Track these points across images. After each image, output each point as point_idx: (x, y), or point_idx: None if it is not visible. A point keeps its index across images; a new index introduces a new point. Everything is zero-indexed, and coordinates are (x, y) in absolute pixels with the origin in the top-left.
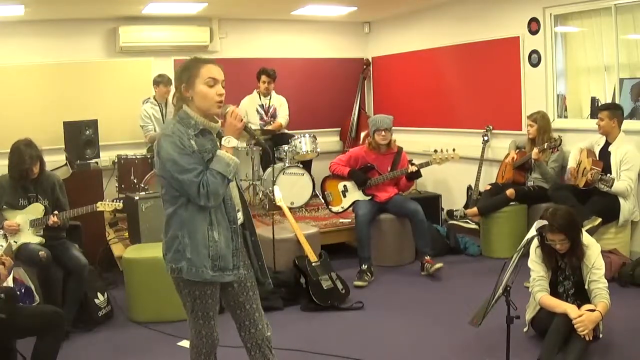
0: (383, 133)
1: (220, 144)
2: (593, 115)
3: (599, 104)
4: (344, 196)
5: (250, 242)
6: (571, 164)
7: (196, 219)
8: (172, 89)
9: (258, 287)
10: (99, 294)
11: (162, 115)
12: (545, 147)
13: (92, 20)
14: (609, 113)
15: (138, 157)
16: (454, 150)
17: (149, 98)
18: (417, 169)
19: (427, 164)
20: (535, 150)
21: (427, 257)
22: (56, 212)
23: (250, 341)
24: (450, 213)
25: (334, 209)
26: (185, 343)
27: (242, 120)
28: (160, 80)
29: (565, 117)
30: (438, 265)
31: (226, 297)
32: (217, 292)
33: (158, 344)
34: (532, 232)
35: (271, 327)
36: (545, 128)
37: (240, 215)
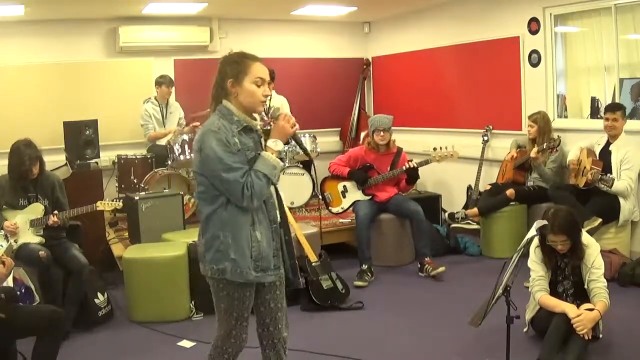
0: (382, 133)
1: (265, 145)
2: (593, 115)
3: (600, 104)
4: (344, 197)
5: (283, 240)
6: (571, 157)
7: (238, 219)
8: (174, 90)
9: (288, 286)
10: (99, 294)
11: (163, 116)
12: (545, 147)
13: (92, 20)
14: (622, 113)
15: (138, 157)
16: (453, 147)
17: (150, 98)
18: (415, 166)
19: (426, 162)
20: (534, 150)
21: (428, 259)
22: (56, 212)
23: (266, 339)
24: (452, 216)
25: (334, 209)
26: (186, 343)
27: (294, 126)
28: (162, 81)
29: (565, 117)
30: (440, 269)
31: (255, 294)
32: (253, 294)
33: (158, 344)
34: (532, 232)
35: (289, 327)
36: (545, 129)
37: (277, 214)
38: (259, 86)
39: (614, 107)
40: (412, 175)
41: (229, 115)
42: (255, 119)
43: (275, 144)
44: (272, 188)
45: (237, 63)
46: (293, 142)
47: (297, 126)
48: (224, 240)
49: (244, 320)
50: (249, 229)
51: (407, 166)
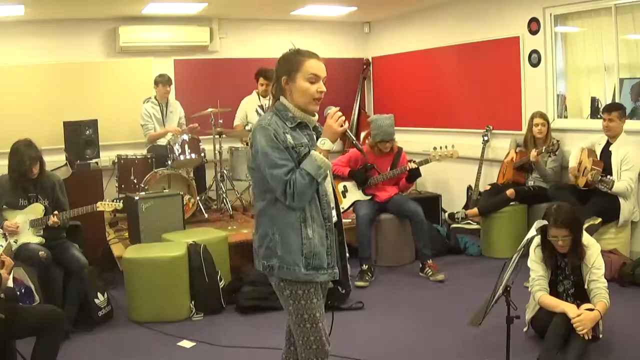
0: (387, 145)
1: (315, 145)
2: (593, 115)
3: (600, 104)
4: (344, 196)
5: (337, 241)
6: (572, 163)
7: (288, 215)
8: (172, 89)
9: (339, 289)
10: (99, 294)
11: (163, 115)
12: (544, 150)
13: (92, 20)
14: (619, 114)
15: (138, 157)
16: (453, 146)
17: (150, 97)
18: (416, 166)
19: (426, 161)
20: (534, 152)
21: (430, 261)
22: (56, 212)
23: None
24: (452, 216)
25: None
26: (186, 343)
27: (342, 124)
28: (159, 80)
29: (565, 117)
30: (440, 276)
31: None
32: (319, 289)
33: (158, 344)
34: (532, 232)
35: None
36: (550, 128)
37: (334, 213)
38: (312, 83)
39: (609, 108)
40: (415, 173)
41: (284, 111)
42: (314, 115)
43: (323, 143)
44: (330, 188)
45: (290, 60)
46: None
47: (347, 124)
48: (272, 237)
49: (318, 321)
50: (299, 226)
51: (410, 167)
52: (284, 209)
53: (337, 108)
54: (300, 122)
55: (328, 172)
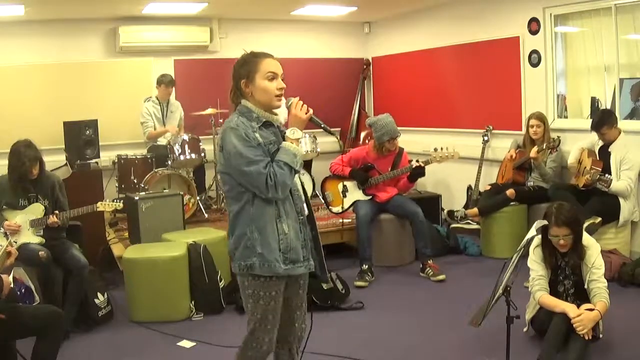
0: (395, 141)
1: (284, 136)
2: (592, 125)
3: (600, 104)
4: (344, 196)
5: (311, 235)
6: (571, 160)
7: (265, 213)
8: (173, 90)
9: (315, 281)
10: (99, 294)
11: (163, 115)
12: (544, 147)
13: (92, 20)
14: (607, 126)
15: (138, 157)
16: (454, 148)
17: (151, 97)
18: (422, 165)
19: (427, 163)
20: (534, 149)
21: (431, 261)
22: (56, 212)
23: (282, 336)
24: (451, 214)
25: (334, 209)
26: (186, 343)
27: (307, 111)
28: (162, 80)
29: (565, 117)
30: (441, 277)
31: None
32: (281, 294)
33: (158, 344)
34: (532, 232)
35: (308, 328)
36: (548, 129)
37: (305, 207)
38: (271, 80)
39: (595, 125)
40: (419, 172)
41: (247, 112)
42: (276, 114)
43: (292, 132)
44: (298, 182)
45: (247, 63)
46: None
47: (312, 110)
48: (251, 235)
49: (269, 323)
50: (275, 222)
51: (414, 165)
52: (261, 207)
53: (297, 97)
54: (265, 121)
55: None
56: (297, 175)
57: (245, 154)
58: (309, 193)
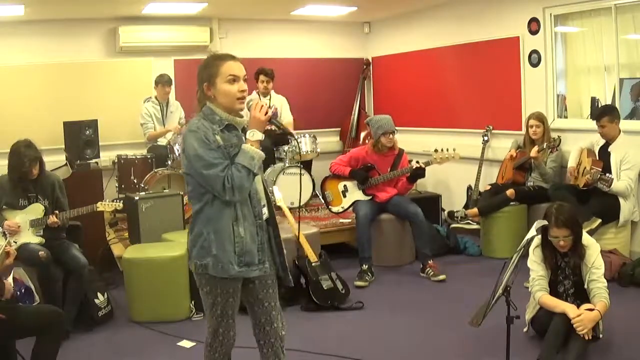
0: (390, 136)
1: (245, 138)
2: (593, 115)
3: (599, 105)
4: (344, 196)
5: (272, 237)
6: (571, 163)
7: (222, 214)
8: (172, 89)
9: (278, 283)
10: (99, 294)
11: (163, 115)
12: (545, 147)
13: (92, 20)
14: (609, 118)
15: (138, 157)
16: (454, 149)
17: (151, 97)
18: (423, 166)
19: (427, 164)
20: (535, 148)
21: (431, 262)
22: (56, 212)
23: (264, 339)
24: (451, 215)
25: (334, 209)
26: (186, 343)
27: (266, 112)
28: (159, 80)
29: (565, 117)
30: (441, 277)
31: (245, 294)
32: (239, 290)
33: (158, 344)
34: (532, 232)
35: (287, 326)
36: (548, 128)
37: (265, 210)
38: (232, 83)
39: (598, 115)
40: (419, 173)
41: (211, 115)
42: (241, 116)
43: (252, 134)
44: (260, 186)
45: (209, 66)
46: (294, 143)
47: (271, 111)
48: (207, 236)
49: (230, 318)
50: (231, 224)
51: (415, 166)
52: (219, 209)
53: (257, 98)
54: (228, 124)
55: (260, 169)
56: (258, 178)
57: (204, 157)
58: (309, 193)
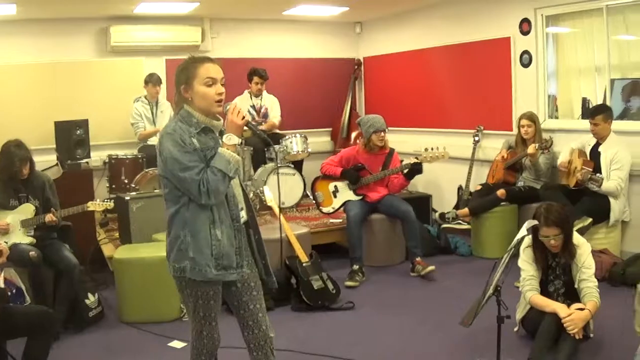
0: (382, 134)
1: (222, 142)
2: (584, 116)
3: (590, 105)
4: (335, 197)
5: (254, 240)
6: (562, 159)
7: (199, 217)
8: (162, 88)
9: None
10: (89, 294)
11: (153, 114)
12: (538, 147)
13: (84, 20)
14: (603, 116)
15: (129, 157)
16: (444, 148)
17: (141, 97)
18: (419, 161)
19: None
20: (532, 146)
21: (418, 259)
22: (53, 210)
23: (253, 342)
24: (443, 216)
25: (325, 209)
26: (177, 344)
27: (243, 117)
28: (149, 80)
29: (556, 117)
30: (430, 268)
31: (230, 297)
32: (219, 292)
33: (149, 345)
34: (523, 232)
35: (274, 328)
36: (539, 129)
37: (243, 213)
38: (209, 86)
39: (592, 112)
40: (417, 169)
41: (188, 117)
42: (218, 119)
43: (229, 138)
44: (239, 189)
45: (186, 68)
46: (284, 143)
47: (247, 117)
48: (184, 239)
49: (212, 320)
50: (208, 227)
51: (412, 162)
52: (196, 212)
53: (235, 103)
54: (204, 126)
55: (239, 172)
56: (235, 181)
57: (179, 160)
58: (300, 193)
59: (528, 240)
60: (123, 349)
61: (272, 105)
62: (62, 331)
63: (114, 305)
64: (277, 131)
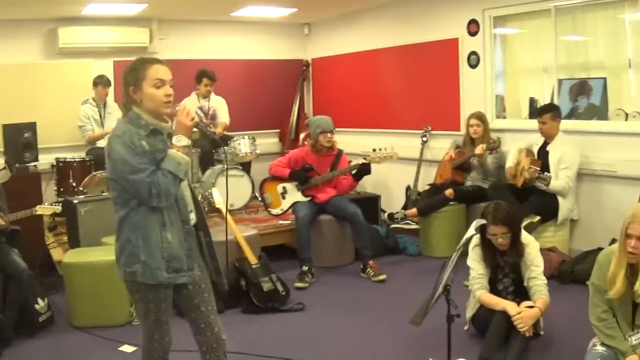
0: (329, 135)
1: (171, 143)
2: (532, 115)
3: (538, 105)
4: (283, 198)
5: (204, 242)
6: (509, 163)
7: (149, 220)
8: (111, 90)
9: (213, 288)
10: (39, 299)
11: (101, 116)
12: (485, 147)
13: (31, 21)
14: (551, 115)
15: (77, 160)
16: (392, 148)
17: (88, 99)
18: (368, 162)
19: (366, 163)
20: (480, 146)
21: (372, 262)
22: (1, 214)
23: (205, 344)
24: (391, 216)
25: (273, 211)
26: (127, 348)
27: (193, 118)
28: (99, 82)
29: (504, 117)
30: (382, 276)
31: (181, 300)
32: (171, 295)
33: (99, 349)
34: (471, 231)
35: (225, 329)
36: (488, 128)
37: (193, 215)
38: (158, 87)
39: (540, 111)
40: (366, 170)
41: (136, 119)
42: (166, 121)
43: (178, 140)
44: (188, 191)
45: (135, 70)
46: (232, 145)
47: (197, 118)
48: (135, 242)
49: (163, 323)
50: (159, 230)
51: (361, 162)
52: (146, 215)
53: (184, 104)
54: (153, 128)
55: (187, 172)
56: (184, 183)
57: (129, 162)
58: (248, 195)
59: (476, 239)
60: (74, 353)
61: (220, 106)
62: (12, 337)
63: (64, 309)
64: (226, 133)
